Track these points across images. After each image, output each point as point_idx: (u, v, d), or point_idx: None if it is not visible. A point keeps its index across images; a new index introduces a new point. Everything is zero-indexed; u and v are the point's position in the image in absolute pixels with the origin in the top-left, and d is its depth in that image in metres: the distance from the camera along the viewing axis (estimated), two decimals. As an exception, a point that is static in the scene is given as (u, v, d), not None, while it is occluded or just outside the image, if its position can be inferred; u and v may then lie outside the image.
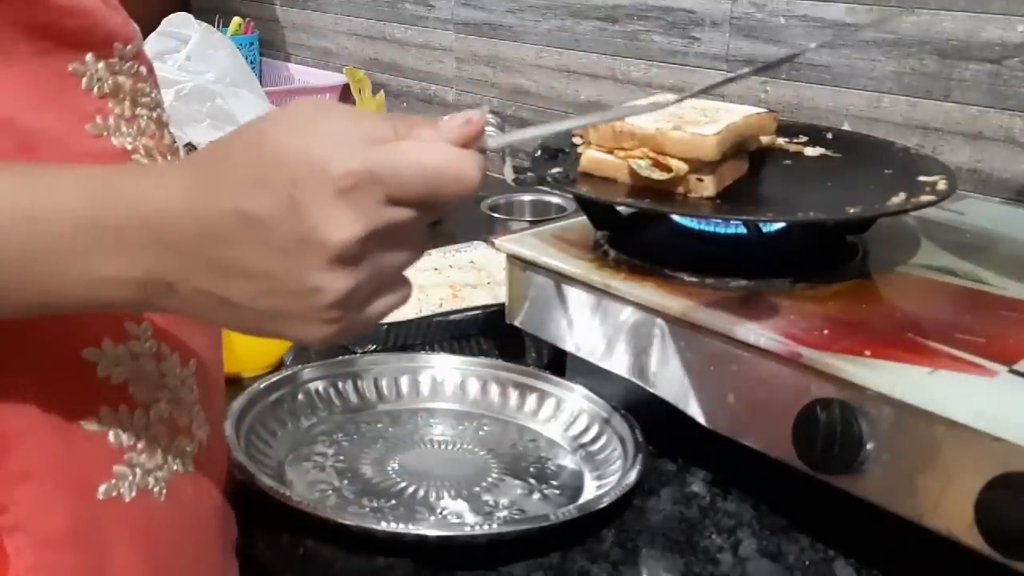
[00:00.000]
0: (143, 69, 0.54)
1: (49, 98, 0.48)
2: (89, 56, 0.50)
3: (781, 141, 0.89)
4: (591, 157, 0.78)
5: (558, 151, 0.85)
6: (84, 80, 0.50)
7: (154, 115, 0.55)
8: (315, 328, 0.43)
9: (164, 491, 0.50)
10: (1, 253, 0.40)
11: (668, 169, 0.74)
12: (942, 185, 0.77)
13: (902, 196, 0.75)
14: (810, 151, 0.90)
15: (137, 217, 0.41)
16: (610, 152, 0.77)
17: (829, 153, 0.89)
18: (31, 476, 0.45)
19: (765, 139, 0.87)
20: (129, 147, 0.52)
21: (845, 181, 0.82)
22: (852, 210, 0.73)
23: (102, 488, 0.48)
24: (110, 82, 0.51)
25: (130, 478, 0.49)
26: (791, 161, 0.88)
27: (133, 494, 0.49)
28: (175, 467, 0.51)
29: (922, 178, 0.79)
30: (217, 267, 0.41)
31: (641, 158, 0.75)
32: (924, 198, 0.75)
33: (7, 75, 0.46)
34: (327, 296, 0.41)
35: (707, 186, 0.75)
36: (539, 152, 0.85)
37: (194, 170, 0.43)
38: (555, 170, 0.80)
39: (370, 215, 0.40)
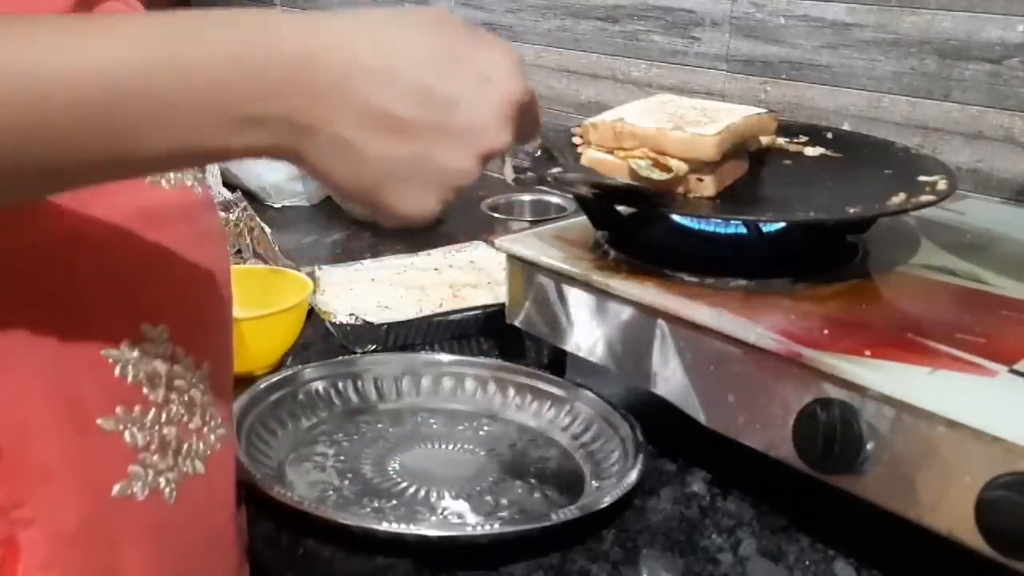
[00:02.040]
0: None
1: None
2: None
3: (781, 141, 0.90)
4: (591, 157, 0.78)
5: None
6: None
7: None
8: (429, 202, 0.46)
9: (175, 492, 0.50)
10: (150, 97, 0.40)
11: (668, 169, 0.74)
12: (942, 185, 0.77)
13: (902, 196, 0.75)
14: (810, 151, 0.90)
15: (290, 56, 0.42)
16: (610, 152, 0.77)
17: (829, 153, 0.89)
18: (49, 472, 0.45)
19: (765, 139, 0.87)
20: None
21: (845, 181, 0.82)
22: (852, 210, 0.73)
23: (116, 487, 0.48)
24: None
25: (144, 478, 0.49)
26: (791, 161, 0.88)
27: (145, 493, 0.49)
28: (185, 468, 0.51)
29: (922, 178, 0.79)
30: (370, 116, 0.43)
31: (641, 158, 0.75)
32: (924, 198, 0.75)
33: None
34: (464, 179, 0.46)
35: (707, 186, 0.75)
36: (539, 152, 0.85)
37: (369, 21, 0.45)
38: (555, 170, 0.80)
39: (513, 131, 0.47)
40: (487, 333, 0.94)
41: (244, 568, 0.61)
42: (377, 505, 0.68)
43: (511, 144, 0.47)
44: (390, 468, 0.72)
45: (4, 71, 0.38)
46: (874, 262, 0.78)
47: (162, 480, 0.50)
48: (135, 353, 0.49)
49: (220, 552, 0.57)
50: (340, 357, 0.85)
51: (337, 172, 0.44)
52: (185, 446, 0.52)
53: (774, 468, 0.65)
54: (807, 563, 0.63)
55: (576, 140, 0.88)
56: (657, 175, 0.74)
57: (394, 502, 0.68)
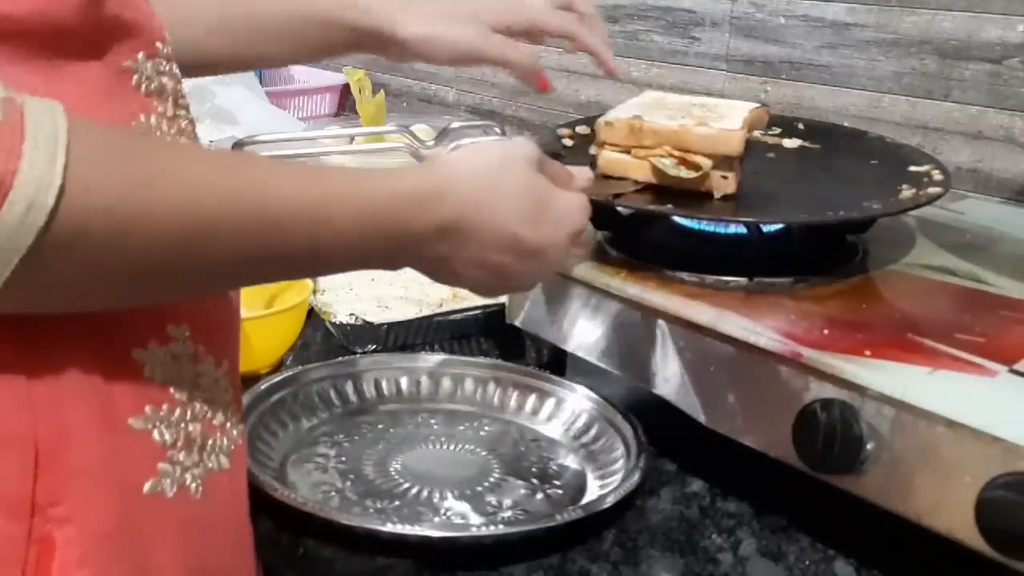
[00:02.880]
0: (178, 71, 0.55)
1: (102, 94, 0.48)
2: (141, 55, 0.51)
3: (756, 134, 0.89)
4: (607, 158, 0.77)
5: (555, 155, 0.85)
6: (135, 77, 0.50)
7: (190, 116, 0.56)
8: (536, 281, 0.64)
9: (201, 488, 0.51)
10: (329, 223, 0.50)
11: (696, 167, 0.73)
12: (937, 175, 0.78)
13: (912, 191, 0.75)
14: (788, 143, 0.90)
15: (421, 196, 0.54)
16: (627, 151, 0.76)
17: (807, 144, 0.89)
18: (85, 471, 0.46)
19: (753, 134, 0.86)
20: None
21: (842, 174, 0.82)
22: (876, 206, 0.74)
23: (147, 485, 0.48)
24: (156, 82, 0.52)
25: (172, 475, 0.50)
26: (774, 155, 0.87)
27: (174, 490, 0.50)
28: (211, 464, 0.52)
29: (913, 168, 0.80)
30: (473, 260, 0.57)
31: (665, 156, 0.73)
32: (932, 190, 0.75)
33: (73, 69, 0.47)
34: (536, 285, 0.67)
35: (730, 183, 0.74)
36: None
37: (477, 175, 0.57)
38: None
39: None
40: (487, 333, 0.94)
41: (259, 564, 0.61)
42: (380, 506, 0.68)
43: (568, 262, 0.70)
44: (391, 469, 0.72)
45: (254, 205, 0.47)
46: (874, 262, 0.78)
47: (188, 476, 0.50)
48: (162, 353, 0.50)
49: (243, 544, 0.57)
50: (340, 358, 0.85)
51: (445, 280, 0.59)
52: (210, 442, 0.52)
53: (774, 468, 0.65)
54: (807, 563, 0.63)
55: (566, 142, 0.88)
56: (685, 173, 0.73)
57: (397, 503, 0.68)
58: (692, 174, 0.73)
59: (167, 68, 0.53)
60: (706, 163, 0.73)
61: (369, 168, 0.55)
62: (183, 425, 0.51)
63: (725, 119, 0.76)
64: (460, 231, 0.55)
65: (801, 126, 0.94)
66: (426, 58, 0.80)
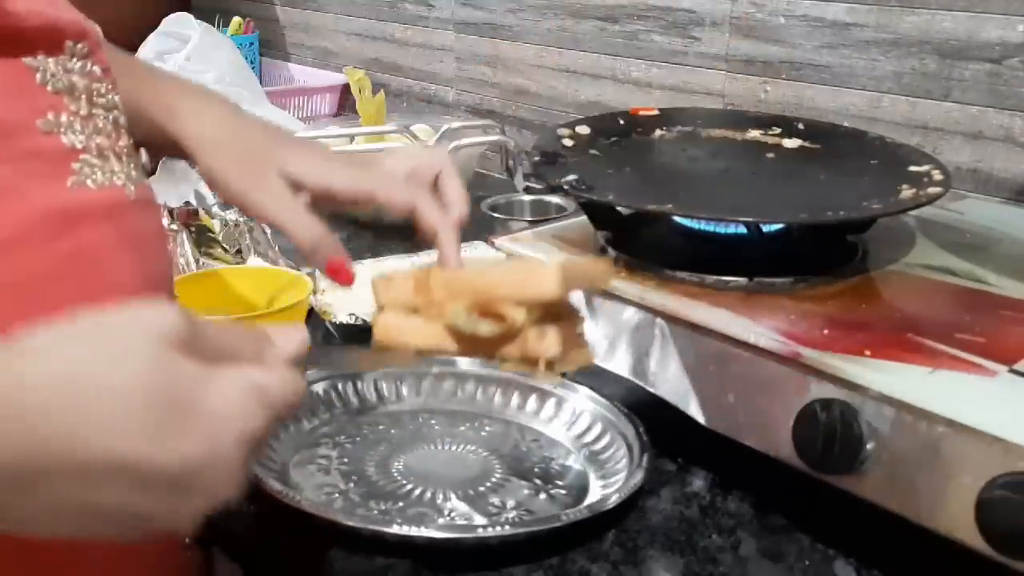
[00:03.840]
0: (97, 68, 0.54)
1: (2, 88, 0.48)
2: (41, 53, 0.50)
3: (756, 133, 0.89)
4: (384, 324, 0.58)
5: (555, 155, 0.85)
6: (38, 75, 0.50)
7: (111, 116, 0.55)
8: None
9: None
10: None
11: (501, 318, 0.54)
12: (937, 175, 0.78)
13: (912, 191, 0.75)
14: (788, 143, 0.89)
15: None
16: (414, 312, 0.57)
17: (807, 144, 0.89)
18: None
19: (739, 135, 0.85)
20: (80, 146, 0.52)
21: (841, 174, 0.82)
22: (876, 206, 0.73)
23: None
24: (64, 80, 0.51)
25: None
26: (774, 155, 0.87)
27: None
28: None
29: (913, 168, 0.80)
30: (81, 509, 0.37)
31: (461, 310, 0.55)
32: (932, 189, 0.75)
33: None
34: (222, 490, 0.40)
35: (551, 343, 0.54)
36: (538, 157, 0.85)
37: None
38: (571, 177, 0.79)
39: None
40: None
41: None
42: (384, 507, 0.68)
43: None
44: (394, 470, 0.72)
45: None
46: (874, 262, 0.78)
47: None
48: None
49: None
50: (341, 358, 0.85)
51: (26, 531, 0.38)
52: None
53: (774, 468, 0.65)
54: (807, 563, 0.63)
55: (567, 142, 0.88)
56: (486, 327, 0.54)
57: (400, 504, 0.68)
58: (495, 329, 0.54)
59: (78, 66, 0.53)
60: (517, 314, 0.54)
61: None
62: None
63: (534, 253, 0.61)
64: (25, 470, 0.35)
65: (801, 126, 0.94)
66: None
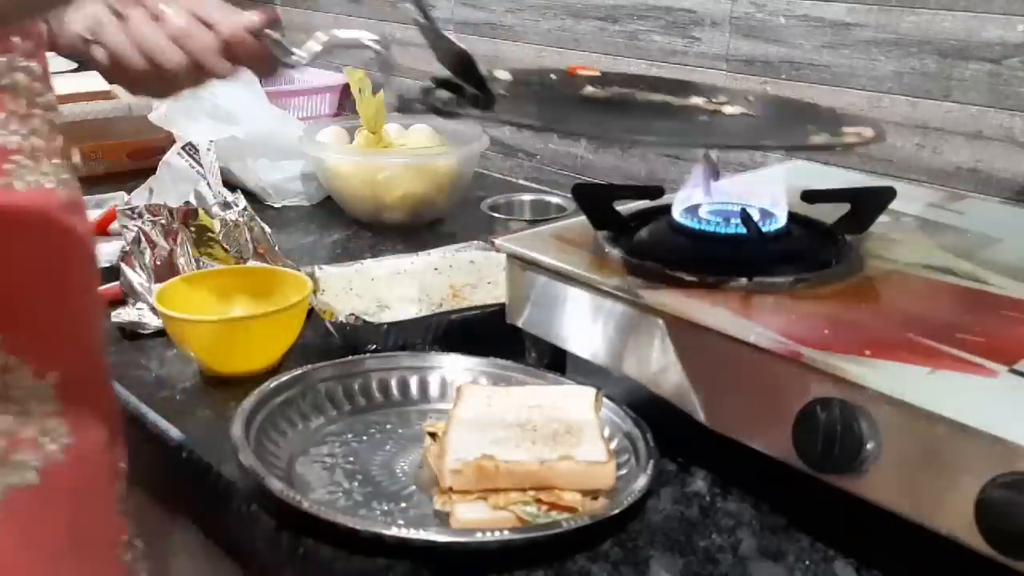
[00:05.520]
0: (38, 68, 0.54)
1: None
2: None
3: (699, 101, 0.85)
4: (463, 519, 0.64)
5: (454, 84, 0.80)
6: None
7: (48, 116, 0.54)
8: None
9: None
10: None
11: (570, 508, 0.64)
12: (868, 133, 0.75)
13: (824, 136, 0.73)
14: (729, 109, 0.85)
15: None
16: (483, 498, 0.65)
17: (749, 112, 0.84)
18: None
19: (685, 101, 0.83)
20: (13, 146, 0.51)
21: (763, 127, 0.80)
22: (768, 142, 0.70)
23: None
24: (8, 78, 0.51)
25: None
26: (706, 117, 0.82)
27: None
28: (13, 480, 0.51)
29: (847, 128, 0.76)
30: None
31: (529, 503, 0.64)
32: (847, 139, 0.73)
33: None
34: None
35: (599, 504, 0.66)
36: (431, 83, 0.81)
37: None
38: (449, 95, 0.73)
39: None
40: (487, 333, 0.94)
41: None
42: (387, 508, 0.67)
43: None
44: (398, 469, 0.72)
45: None
46: (874, 262, 0.78)
47: None
48: None
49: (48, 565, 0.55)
50: (347, 357, 0.85)
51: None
52: (13, 457, 0.51)
53: (774, 468, 0.65)
54: (807, 563, 0.63)
55: (500, 74, 0.82)
56: (556, 518, 0.64)
57: (403, 505, 0.68)
58: (559, 517, 0.64)
59: (24, 65, 0.52)
60: (576, 500, 0.64)
61: None
62: None
63: (577, 437, 0.69)
64: None
65: (751, 98, 0.87)
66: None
